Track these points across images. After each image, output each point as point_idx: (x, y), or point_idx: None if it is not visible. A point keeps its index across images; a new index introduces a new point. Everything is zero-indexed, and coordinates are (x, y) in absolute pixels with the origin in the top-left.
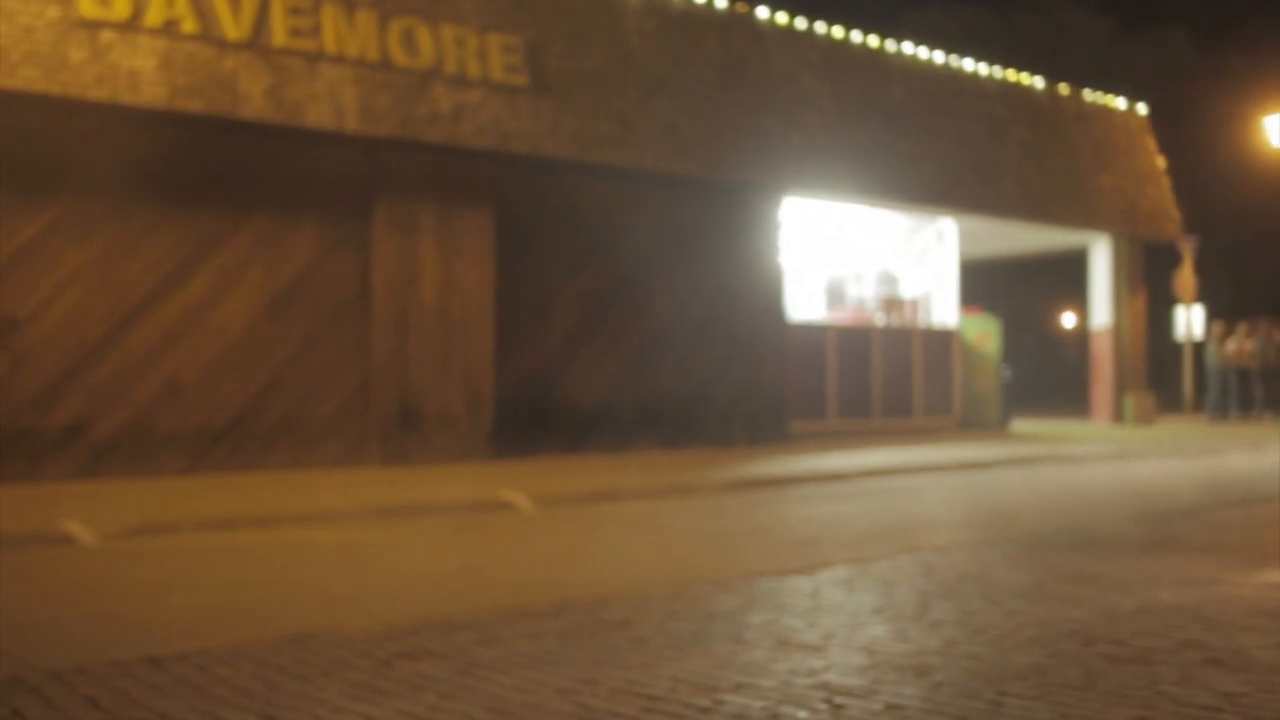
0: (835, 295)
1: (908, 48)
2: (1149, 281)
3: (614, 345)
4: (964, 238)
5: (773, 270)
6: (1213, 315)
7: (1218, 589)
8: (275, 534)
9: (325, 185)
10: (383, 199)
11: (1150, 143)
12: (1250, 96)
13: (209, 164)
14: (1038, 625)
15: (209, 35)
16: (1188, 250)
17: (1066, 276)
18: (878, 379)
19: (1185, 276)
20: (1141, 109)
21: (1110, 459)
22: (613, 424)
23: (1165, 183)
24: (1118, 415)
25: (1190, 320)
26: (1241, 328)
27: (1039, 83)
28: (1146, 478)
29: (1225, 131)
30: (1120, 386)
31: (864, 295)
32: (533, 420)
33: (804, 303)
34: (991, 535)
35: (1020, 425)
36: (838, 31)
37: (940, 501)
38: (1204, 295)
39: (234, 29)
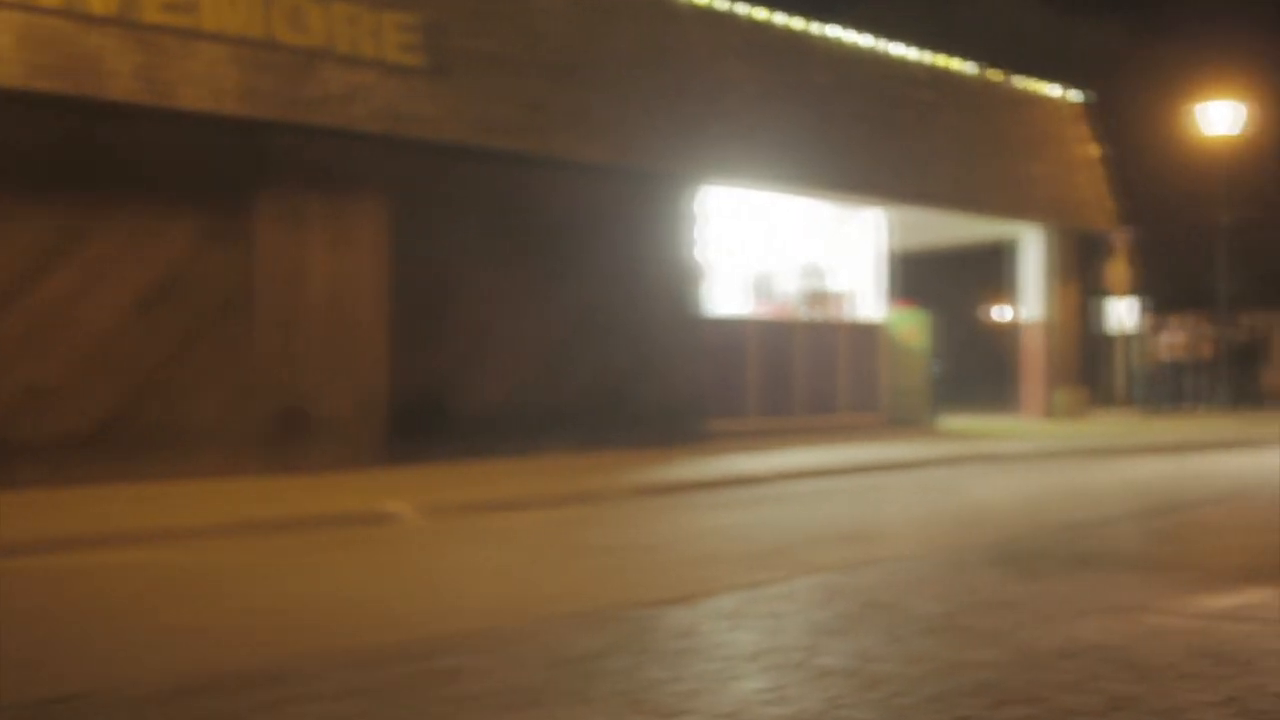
0: (762, 289)
1: (834, 31)
2: (1082, 273)
3: (521, 342)
4: (893, 228)
5: (691, 263)
6: (1146, 308)
7: (1149, 620)
8: (118, 556)
9: (203, 172)
10: (266, 187)
11: (1084, 131)
12: (1186, 87)
13: (74, 149)
14: (943, 675)
15: (72, 10)
16: (1121, 241)
17: (999, 268)
18: (801, 375)
19: (1118, 268)
20: (1075, 97)
21: (1039, 458)
22: (520, 426)
23: (1099, 172)
24: (1049, 410)
25: (1123, 313)
26: (1175, 320)
27: (970, 69)
28: (1075, 479)
29: (1161, 122)
30: (1051, 381)
31: (790, 288)
32: (432, 423)
33: (729, 297)
34: (906, 549)
35: (950, 421)
36: (760, 13)
37: (856, 508)
38: (1137, 287)
39: (100, 3)
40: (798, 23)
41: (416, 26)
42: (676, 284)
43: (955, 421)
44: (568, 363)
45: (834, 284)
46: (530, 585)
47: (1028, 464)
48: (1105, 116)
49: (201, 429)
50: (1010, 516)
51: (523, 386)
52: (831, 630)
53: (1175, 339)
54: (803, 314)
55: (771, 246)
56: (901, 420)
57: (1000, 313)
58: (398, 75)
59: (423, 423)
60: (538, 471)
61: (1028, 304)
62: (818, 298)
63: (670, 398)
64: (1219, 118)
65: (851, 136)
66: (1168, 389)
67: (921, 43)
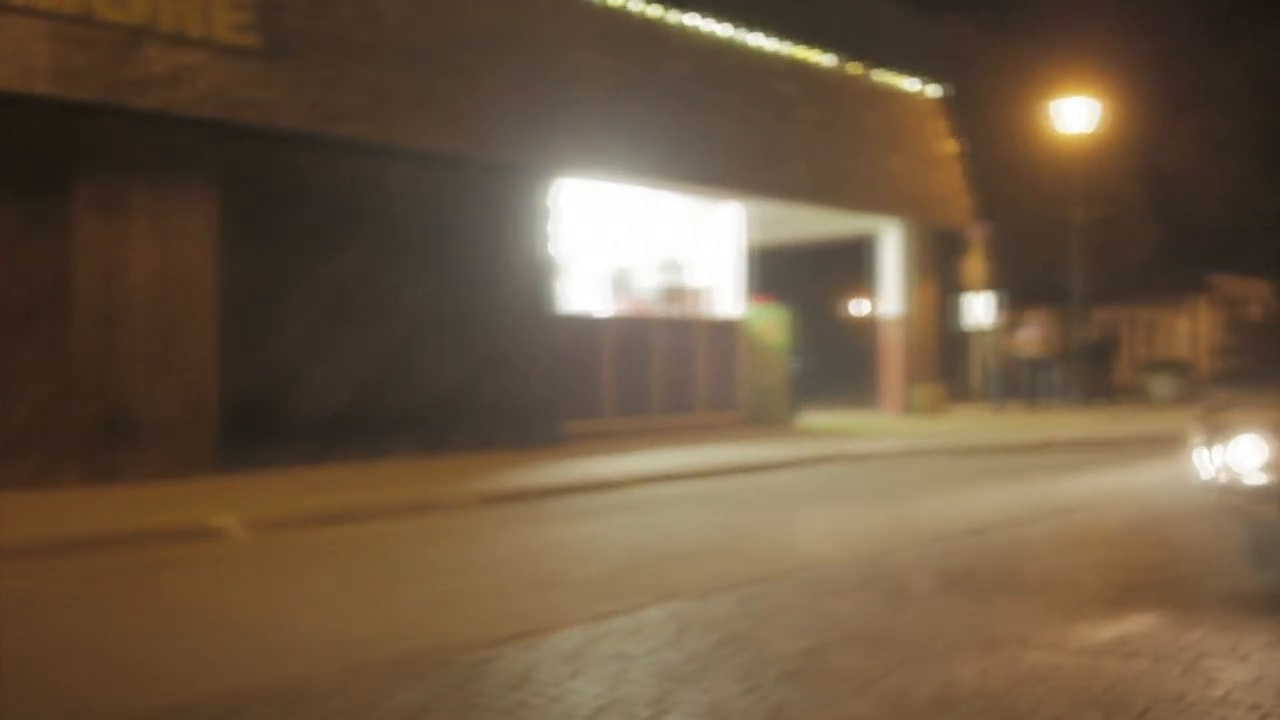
0: (621, 285)
1: (692, 20)
2: (940, 269)
3: (364, 341)
4: (752, 223)
5: (542, 258)
6: (1002, 303)
7: (1029, 658)
8: None
9: (13, 158)
10: (84, 175)
11: (942, 127)
12: (1042, 83)
13: None
14: None
15: None
16: (978, 237)
17: (858, 263)
18: (659, 374)
19: (975, 264)
20: (933, 92)
21: (899, 457)
22: (364, 429)
23: (957, 168)
24: (908, 406)
25: (979, 308)
26: (1030, 316)
27: (829, 61)
28: (938, 477)
29: (1017, 118)
30: (910, 376)
31: (648, 285)
32: (268, 428)
33: (585, 293)
34: (764, 567)
35: (810, 418)
36: (616, 0)
37: (713, 517)
38: (994, 283)
39: None
40: (655, 11)
41: (250, 4)
42: (530, 280)
43: (815, 419)
44: (414, 363)
45: (692, 280)
46: (354, 619)
47: (888, 463)
48: (963, 112)
49: (13, 436)
50: (873, 526)
51: (366, 387)
52: (682, 676)
53: (1031, 335)
54: (661, 311)
55: (629, 241)
56: (760, 419)
57: (860, 308)
58: (229, 56)
59: (257, 427)
60: (381, 479)
61: (887, 299)
62: (676, 294)
63: (523, 399)
64: (1073, 115)
65: (709, 128)
66: (1023, 384)
67: (781, 34)
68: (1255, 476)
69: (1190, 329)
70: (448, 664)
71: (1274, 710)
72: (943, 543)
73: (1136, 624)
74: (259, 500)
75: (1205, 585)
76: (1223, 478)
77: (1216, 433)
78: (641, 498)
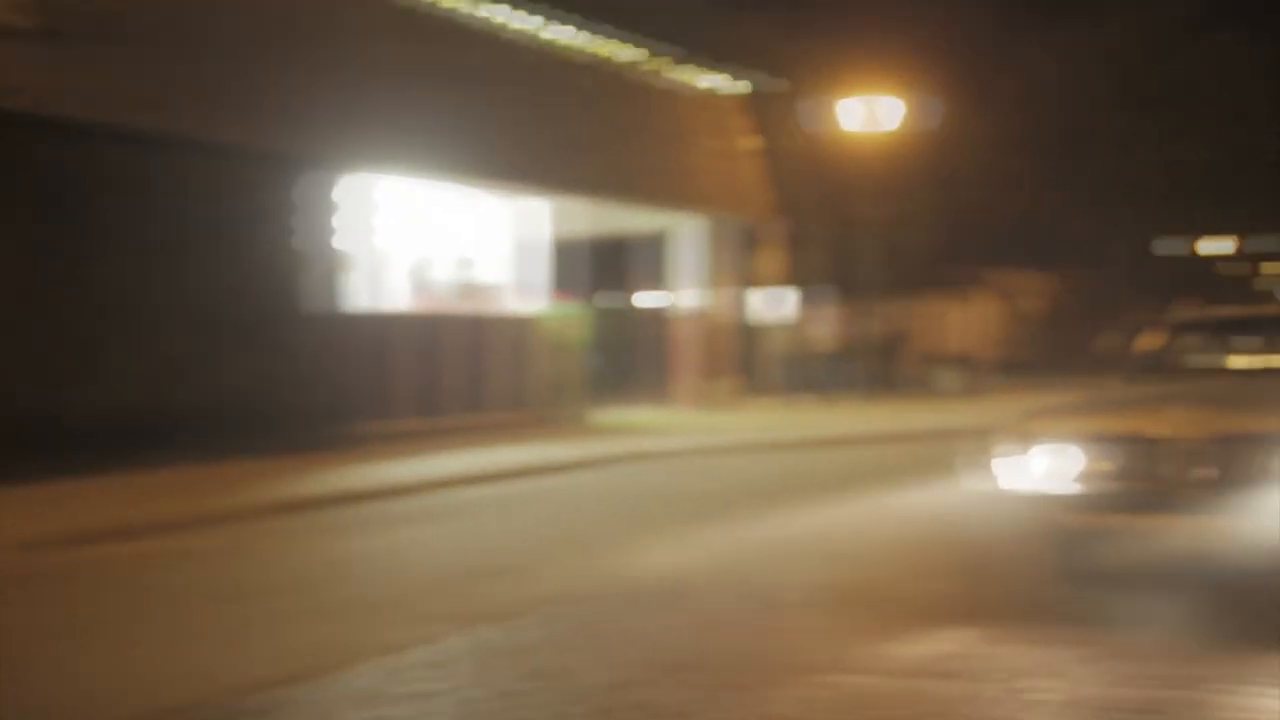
0: (416, 282)
1: (490, 12)
2: (738, 264)
3: (144, 343)
4: (551, 217)
5: (331, 254)
6: (797, 298)
7: (849, 682)
8: None
9: None
10: None
11: (742, 123)
12: (841, 82)
13: None
14: None
15: None
16: (772, 232)
17: (658, 258)
18: (452, 373)
19: (771, 259)
20: (734, 88)
21: (695, 455)
22: (144, 436)
23: (756, 164)
24: (704, 401)
25: (775, 303)
26: (823, 310)
27: (631, 56)
28: (734, 479)
29: (815, 115)
30: (707, 371)
31: (445, 281)
32: (21, 438)
33: (379, 290)
34: (567, 584)
35: (606, 415)
36: None
37: (510, 525)
38: (788, 277)
39: None
40: (452, 2)
41: None
42: (318, 278)
43: (610, 416)
44: (197, 364)
45: (487, 276)
46: (111, 664)
47: (683, 462)
48: (763, 109)
49: None
50: (673, 537)
51: (146, 391)
52: (489, 716)
53: (823, 329)
54: (454, 308)
55: (426, 237)
56: (556, 417)
57: (659, 303)
58: None
59: (28, 438)
60: (160, 489)
61: (686, 294)
62: (470, 290)
63: (312, 400)
64: (869, 114)
65: (507, 123)
66: (818, 378)
67: (582, 28)
68: (1063, 486)
69: (970, 321)
70: (230, 714)
71: None
72: (746, 556)
73: (950, 640)
74: (16, 518)
75: (1015, 596)
76: (1032, 487)
77: (1025, 443)
78: (437, 504)
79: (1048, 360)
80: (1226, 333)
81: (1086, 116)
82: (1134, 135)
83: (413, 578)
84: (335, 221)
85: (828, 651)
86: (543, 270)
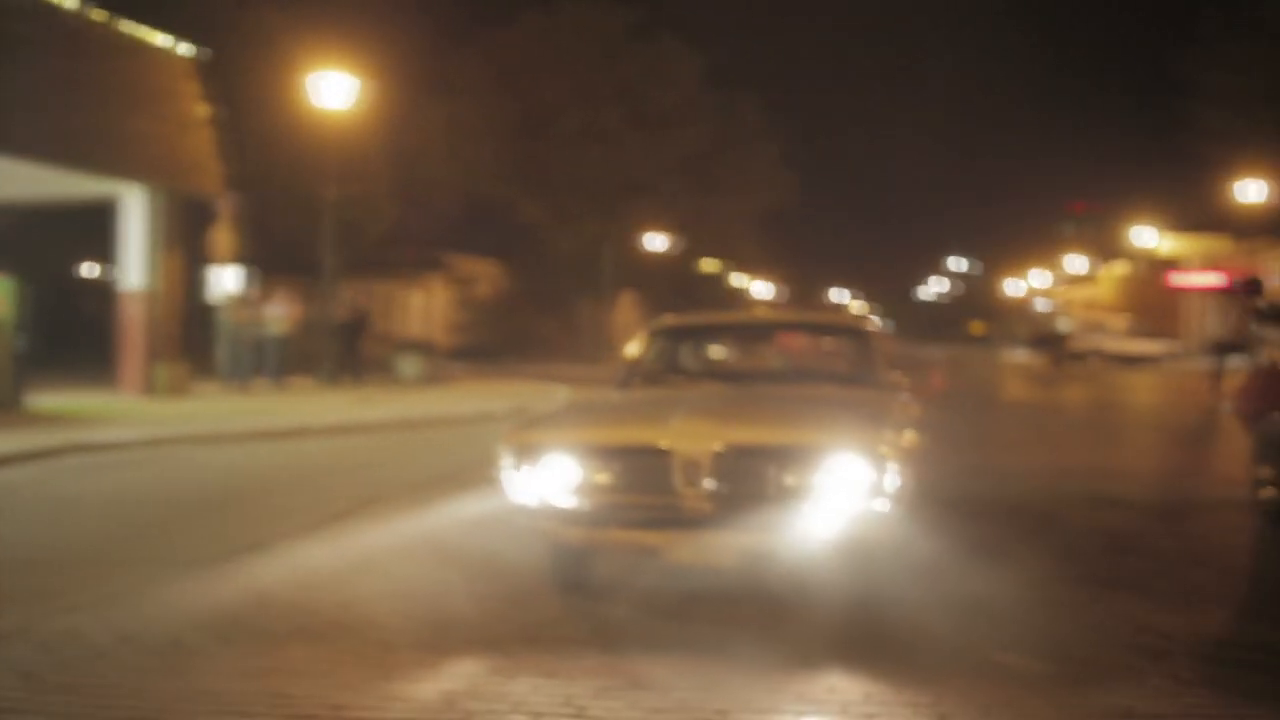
0: None
1: None
2: (189, 239)
3: None
4: None
5: None
6: (253, 278)
7: None
8: None
9: None
10: None
11: (196, 90)
12: (302, 56)
13: None
14: None
15: None
16: (226, 208)
17: (101, 229)
18: None
19: (225, 235)
20: (187, 52)
21: (143, 446)
22: None
23: (210, 134)
24: (150, 385)
25: (228, 282)
26: (281, 292)
27: (71, 4)
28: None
29: (275, 88)
30: (154, 353)
31: None
32: None
33: None
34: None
35: (42, 401)
36: None
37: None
38: (244, 256)
39: None
40: None
41: None
42: None
43: (48, 401)
44: None
45: None
46: None
47: (136, 454)
48: (219, 77)
49: None
50: (127, 547)
51: None
52: None
53: (279, 310)
54: None
55: None
56: None
57: (101, 278)
58: None
59: None
60: None
61: (131, 270)
62: None
63: None
64: (330, 90)
65: None
66: (271, 362)
67: None
68: (563, 499)
69: (425, 304)
70: None
71: None
72: (205, 571)
73: (457, 675)
74: None
75: (527, 621)
76: (532, 500)
77: (524, 454)
78: None
79: (501, 347)
80: (713, 339)
81: (542, 109)
82: (585, 131)
83: None
84: None
85: (322, 694)
86: None
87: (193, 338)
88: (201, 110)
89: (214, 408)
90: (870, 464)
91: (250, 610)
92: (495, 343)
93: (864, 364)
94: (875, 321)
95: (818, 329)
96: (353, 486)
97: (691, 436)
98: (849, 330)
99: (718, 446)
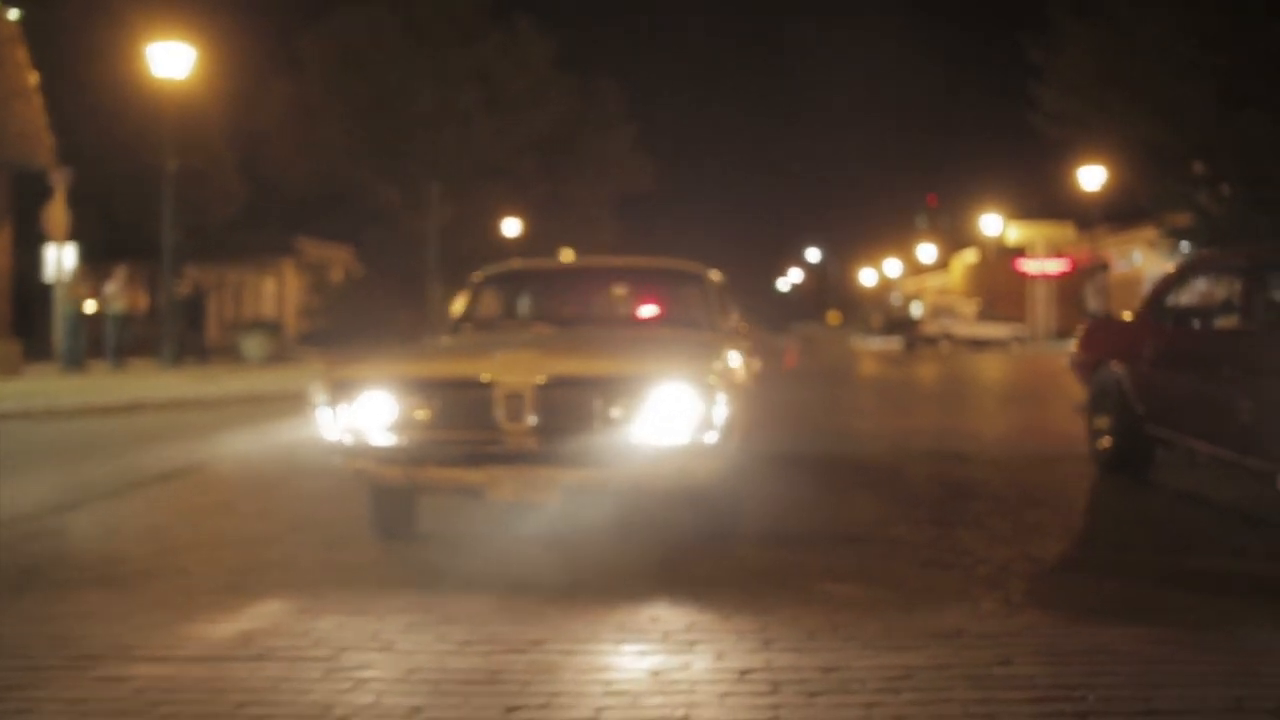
0: None
1: None
2: (16, 214)
3: None
4: None
5: None
6: (86, 255)
7: (136, 672)
8: None
9: None
10: None
11: (22, 54)
12: (137, 25)
13: None
14: None
15: None
16: (60, 182)
17: None
18: None
19: (57, 212)
20: (12, 15)
21: None
22: None
23: (38, 103)
24: None
25: (61, 260)
26: (117, 270)
27: None
28: (40, 446)
29: (108, 57)
30: None
31: None
32: None
33: None
34: None
35: None
36: None
37: None
38: (77, 232)
39: None
40: None
41: None
42: None
43: None
44: None
45: None
46: None
47: None
48: (46, 43)
49: None
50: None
51: None
52: None
53: (116, 289)
54: None
55: None
56: None
57: None
58: None
59: None
60: None
61: None
62: None
63: None
64: (167, 60)
65: None
66: (108, 342)
67: None
68: (380, 436)
69: (277, 290)
70: None
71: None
72: (6, 530)
73: (260, 615)
74: None
75: (331, 559)
76: (348, 438)
77: (340, 390)
78: None
79: (352, 331)
80: (545, 285)
81: (395, 90)
82: (440, 113)
83: None
84: None
85: (111, 637)
86: None
87: (28, 317)
88: (26, 77)
89: (47, 386)
90: (698, 394)
91: (49, 562)
92: (348, 328)
93: (703, 310)
94: (717, 272)
95: (656, 275)
96: (182, 453)
97: (514, 368)
98: (689, 276)
99: (540, 379)
